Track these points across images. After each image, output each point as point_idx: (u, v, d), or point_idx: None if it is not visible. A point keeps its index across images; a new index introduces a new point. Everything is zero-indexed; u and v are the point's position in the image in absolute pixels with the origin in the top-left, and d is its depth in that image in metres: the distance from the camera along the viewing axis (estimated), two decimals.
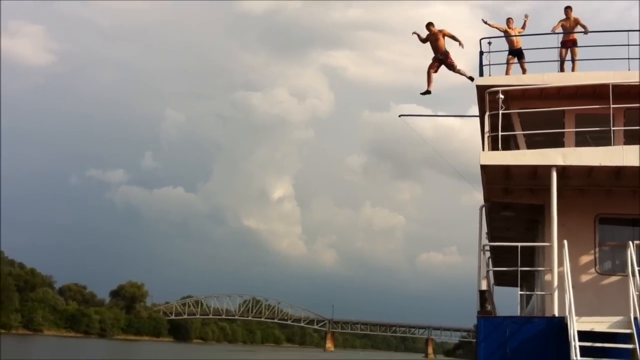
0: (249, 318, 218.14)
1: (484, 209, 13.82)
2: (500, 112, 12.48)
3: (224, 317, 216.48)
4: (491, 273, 15.69)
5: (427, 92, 15.10)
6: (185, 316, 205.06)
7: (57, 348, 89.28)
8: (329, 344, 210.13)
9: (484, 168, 11.95)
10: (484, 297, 11.95)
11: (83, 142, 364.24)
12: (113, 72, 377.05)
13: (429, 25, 14.92)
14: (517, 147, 13.21)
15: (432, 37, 14.89)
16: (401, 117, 16.85)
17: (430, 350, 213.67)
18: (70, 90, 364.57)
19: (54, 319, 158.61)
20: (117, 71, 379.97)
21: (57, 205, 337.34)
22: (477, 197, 13.78)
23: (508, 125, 13.07)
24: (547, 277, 11.97)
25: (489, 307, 11.99)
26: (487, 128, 12.73)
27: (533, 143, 12.86)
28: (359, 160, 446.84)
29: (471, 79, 14.57)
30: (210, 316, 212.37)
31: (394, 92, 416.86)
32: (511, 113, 12.99)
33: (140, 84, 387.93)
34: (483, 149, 12.63)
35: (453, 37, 14.86)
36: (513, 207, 13.58)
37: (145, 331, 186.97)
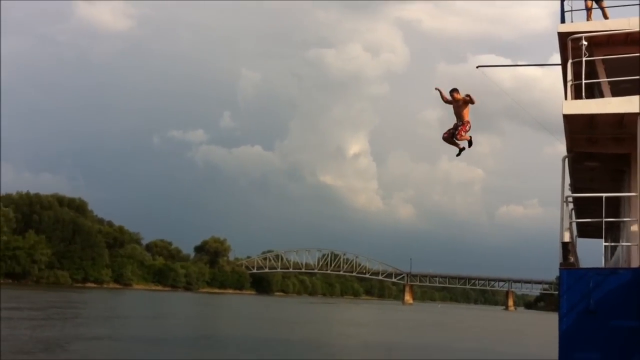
0: (328, 272, 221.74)
1: (566, 159, 13.51)
2: (584, 59, 12.09)
3: (303, 270, 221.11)
4: (574, 225, 15.40)
5: (462, 149, 14.08)
6: (267, 270, 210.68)
7: (148, 300, 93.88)
8: (408, 297, 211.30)
9: (567, 117, 11.67)
10: (567, 249, 11.78)
11: (164, 104, 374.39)
12: (189, 34, 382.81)
13: (453, 92, 13.85)
14: (601, 95, 12.81)
15: (455, 104, 13.83)
16: (479, 68, 16.47)
17: (510, 302, 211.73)
18: (149, 54, 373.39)
19: (142, 273, 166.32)
20: (194, 33, 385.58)
21: (141, 165, 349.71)
22: (560, 148, 13.48)
23: (592, 72, 12.65)
24: (633, 227, 11.70)
25: (572, 259, 11.83)
26: (569, 76, 12.36)
27: (618, 91, 12.42)
28: (435, 114, 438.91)
29: (469, 143, 13.91)
30: (291, 270, 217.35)
31: (470, 43, 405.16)
32: (595, 60, 12.56)
33: (216, 44, 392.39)
34: (566, 98, 12.29)
35: (471, 100, 13.69)
36: (597, 157, 13.23)
37: (228, 284, 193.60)
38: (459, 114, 13.84)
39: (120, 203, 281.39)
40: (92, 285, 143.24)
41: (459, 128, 13.75)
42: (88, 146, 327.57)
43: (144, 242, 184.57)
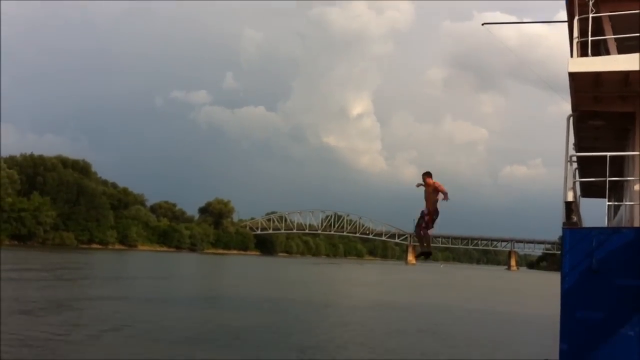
0: (332, 232, 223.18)
1: (571, 118, 13.36)
2: (590, 16, 11.86)
3: (307, 231, 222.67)
4: (578, 184, 15.32)
5: (427, 253, 13.61)
6: (270, 231, 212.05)
7: (153, 261, 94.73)
8: (411, 257, 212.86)
9: (572, 75, 11.48)
10: (570, 208, 11.71)
11: (166, 65, 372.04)
12: None
13: (425, 176, 13.34)
14: (607, 53, 12.59)
15: (426, 188, 13.27)
16: (484, 25, 16.20)
17: (512, 262, 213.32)
18: (152, 15, 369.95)
19: (147, 235, 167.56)
20: None
21: (144, 127, 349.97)
22: (564, 107, 13.31)
23: (598, 29, 12.42)
24: (637, 187, 11.63)
25: (575, 219, 11.77)
26: (575, 33, 12.14)
27: (624, 48, 12.20)
28: (440, 73, 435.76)
29: (427, 254, 13.36)
30: (294, 231, 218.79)
31: (476, 0, 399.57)
32: (601, 17, 12.31)
33: (218, 4, 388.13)
34: (572, 56, 12.09)
35: (443, 192, 13.08)
36: (602, 115, 13.07)
37: (233, 245, 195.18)
38: (427, 200, 13.23)
39: (124, 165, 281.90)
40: (97, 246, 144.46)
41: (430, 217, 13.10)
42: (91, 108, 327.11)
43: (148, 203, 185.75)
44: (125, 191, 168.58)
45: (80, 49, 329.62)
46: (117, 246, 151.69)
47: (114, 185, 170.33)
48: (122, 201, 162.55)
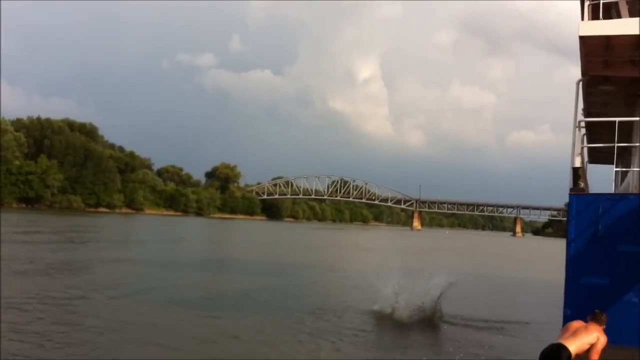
0: (337, 198, 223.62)
1: (581, 83, 13.21)
2: None
3: (313, 197, 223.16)
4: (586, 150, 15.23)
5: None
6: (277, 196, 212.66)
7: (160, 225, 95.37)
8: (416, 223, 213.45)
9: (583, 39, 11.30)
10: (578, 174, 11.65)
11: (172, 27, 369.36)
12: None
13: None
14: (619, 16, 12.39)
15: None
16: None
17: (518, 229, 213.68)
18: None
19: (154, 199, 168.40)
20: None
21: (150, 90, 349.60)
22: (574, 72, 13.18)
23: None
24: None
25: (582, 185, 11.72)
26: None
27: (637, 11, 11.98)
28: (449, 36, 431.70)
29: None
30: (300, 196, 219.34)
31: None
32: None
33: None
34: (582, 19, 11.90)
35: None
36: (613, 80, 12.92)
37: (239, 210, 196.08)
38: None
39: (130, 128, 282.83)
40: (104, 210, 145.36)
41: None
42: (97, 71, 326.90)
43: (155, 167, 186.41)
44: (132, 155, 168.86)
45: (86, 10, 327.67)
46: (124, 210, 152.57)
47: (121, 149, 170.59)
48: (129, 165, 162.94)
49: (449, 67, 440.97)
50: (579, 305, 10.09)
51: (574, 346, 8.77)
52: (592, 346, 8.81)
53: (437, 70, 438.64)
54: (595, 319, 9.24)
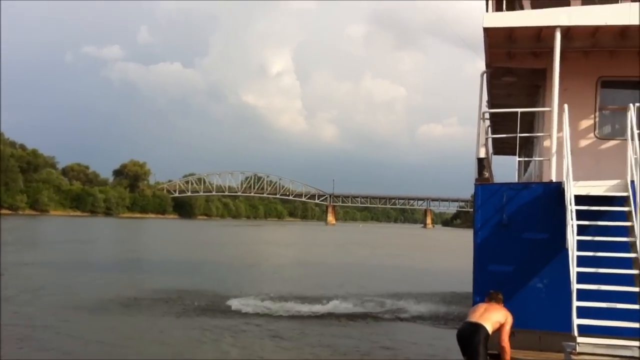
0: (252, 194, 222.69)
1: (485, 75, 13.50)
2: None
3: (226, 193, 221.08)
4: (490, 141, 15.60)
5: None
6: (189, 193, 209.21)
7: (67, 226, 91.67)
8: (331, 218, 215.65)
9: (486, 31, 11.49)
10: (482, 164, 11.88)
11: (76, 19, 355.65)
12: None
13: None
14: (521, 9, 12.72)
15: None
16: None
17: (428, 220, 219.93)
18: None
19: (59, 199, 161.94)
20: None
21: (54, 85, 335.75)
22: (480, 65, 13.41)
23: None
24: (546, 142, 11.86)
25: (486, 175, 11.95)
26: None
27: (539, 4, 12.32)
28: (360, 29, 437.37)
29: None
30: (214, 193, 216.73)
31: None
32: None
33: None
34: (487, 11, 12.13)
35: None
36: (515, 72, 13.23)
37: (150, 209, 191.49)
38: None
39: (32, 125, 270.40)
40: (7, 212, 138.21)
41: None
42: None
43: (60, 166, 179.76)
44: (34, 153, 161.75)
45: None
46: (27, 211, 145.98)
47: (23, 147, 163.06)
48: (31, 164, 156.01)
49: (360, 60, 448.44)
50: (487, 291, 10.26)
51: (489, 323, 9.09)
52: (501, 326, 9.08)
53: (349, 63, 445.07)
54: (494, 299, 9.65)
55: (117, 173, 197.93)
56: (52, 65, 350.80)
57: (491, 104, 15.79)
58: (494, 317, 9.21)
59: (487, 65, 12.95)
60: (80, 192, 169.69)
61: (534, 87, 14.00)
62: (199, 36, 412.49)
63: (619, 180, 10.35)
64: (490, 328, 9.09)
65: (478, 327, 9.05)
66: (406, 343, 15.87)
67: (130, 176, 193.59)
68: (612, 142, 12.25)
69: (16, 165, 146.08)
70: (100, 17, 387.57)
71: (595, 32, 11.41)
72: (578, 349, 9.05)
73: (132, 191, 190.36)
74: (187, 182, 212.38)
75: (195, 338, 15.52)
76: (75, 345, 14.54)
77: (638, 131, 10.01)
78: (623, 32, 11.33)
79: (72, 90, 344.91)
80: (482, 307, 9.48)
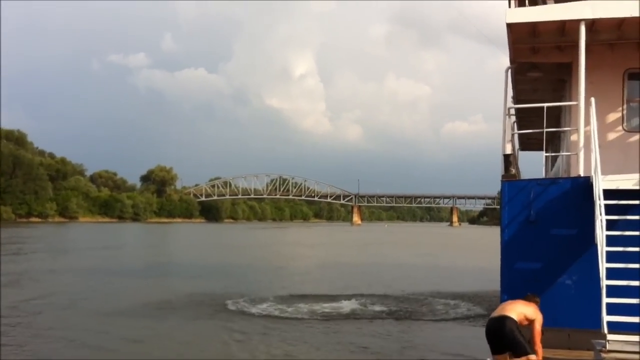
0: (277, 196, 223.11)
1: (509, 71, 13.37)
2: None
3: (252, 196, 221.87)
4: (516, 137, 15.45)
5: None
6: (215, 197, 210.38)
7: (96, 232, 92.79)
8: (356, 218, 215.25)
9: (510, 26, 11.40)
10: (509, 160, 11.77)
11: (101, 27, 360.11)
12: None
13: None
14: (544, 3, 12.59)
15: None
16: None
17: (454, 218, 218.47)
18: None
19: (88, 205, 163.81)
20: None
21: (81, 93, 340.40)
22: (504, 61, 13.29)
23: None
24: (574, 137, 11.71)
25: (513, 171, 11.83)
26: None
27: None
28: (382, 29, 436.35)
29: None
30: (239, 196, 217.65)
31: None
32: None
33: None
34: (509, 7, 12.03)
35: None
36: (540, 66, 13.09)
37: (177, 213, 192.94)
38: None
39: (61, 134, 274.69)
40: (37, 219, 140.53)
41: None
42: (24, 75, 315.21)
43: (88, 173, 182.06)
44: (63, 161, 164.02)
45: (11, 7, 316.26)
46: (57, 219, 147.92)
47: (51, 156, 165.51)
48: (60, 172, 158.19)
49: (383, 61, 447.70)
50: (514, 289, 10.17)
51: (514, 313, 8.83)
52: (530, 323, 8.89)
53: (372, 64, 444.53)
54: (529, 301, 9.36)
55: (145, 179, 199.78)
56: (79, 74, 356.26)
57: (517, 99, 15.65)
58: (519, 309, 8.92)
59: (512, 61, 12.84)
60: (109, 199, 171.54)
61: (559, 82, 13.84)
62: (222, 41, 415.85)
63: None
64: (516, 317, 8.79)
65: (504, 318, 8.78)
66: (433, 342, 15.79)
67: (157, 181, 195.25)
68: None
69: (45, 174, 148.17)
70: (125, 26, 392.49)
71: (620, 24, 11.25)
72: (608, 347, 8.91)
73: (159, 196, 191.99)
74: (213, 186, 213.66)
75: (222, 339, 15.62)
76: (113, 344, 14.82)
77: None
78: None
79: (99, 98, 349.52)
80: (507, 303, 9.23)
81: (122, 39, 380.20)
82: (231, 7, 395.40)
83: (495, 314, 9.13)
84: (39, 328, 16.84)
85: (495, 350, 8.93)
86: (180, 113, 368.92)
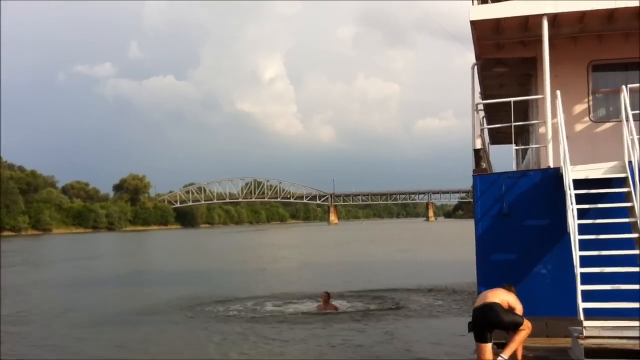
0: (253, 199, 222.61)
1: (476, 67, 13.58)
2: None
3: (228, 200, 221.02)
4: (486, 131, 15.68)
5: None
6: (190, 203, 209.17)
7: (71, 243, 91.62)
8: (333, 217, 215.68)
9: (473, 24, 11.58)
10: (479, 155, 11.95)
11: (65, 39, 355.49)
12: None
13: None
14: None
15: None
16: None
17: (430, 213, 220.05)
18: None
19: (61, 217, 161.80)
20: None
21: (48, 105, 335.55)
22: (471, 58, 13.49)
23: None
24: (541, 129, 11.94)
25: (484, 165, 12.03)
26: None
27: None
28: (349, 30, 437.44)
29: None
30: (215, 201, 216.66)
31: None
32: None
33: None
34: (473, 4, 12.22)
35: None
36: (506, 62, 13.32)
37: (152, 221, 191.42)
38: None
39: (30, 146, 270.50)
40: (9, 233, 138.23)
41: None
42: None
43: (60, 185, 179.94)
44: (33, 174, 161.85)
45: None
46: (30, 231, 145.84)
47: (21, 168, 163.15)
48: (31, 184, 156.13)
49: (352, 61, 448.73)
50: (490, 281, 10.34)
51: (497, 299, 9.18)
52: (512, 310, 9.16)
53: (341, 64, 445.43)
54: (508, 291, 9.61)
55: (117, 188, 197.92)
56: (45, 86, 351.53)
57: (484, 95, 15.88)
58: (501, 296, 9.27)
59: (477, 57, 13.04)
60: (82, 209, 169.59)
61: (525, 76, 14.08)
62: (189, 47, 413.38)
63: (616, 162, 10.41)
64: (499, 301, 9.16)
65: (491, 304, 9.12)
66: (415, 335, 15.91)
67: (131, 190, 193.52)
68: (607, 125, 12.33)
69: (16, 187, 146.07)
70: (89, 36, 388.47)
71: (582, 17, 11.49)
72: (585, 333, 9.12)
73: (133, 205, 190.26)
74: (187, 192, 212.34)
75: (205, 342, 15.58)
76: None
77: (632, 112, 10.08)
78: (610, 16, 11.42)
79: (67, 109, 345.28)
80: (489, 291, 9.52)
81: (87, 49, 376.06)
82: (196, 12, 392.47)
83: (479, 303, 9.33)
84: (34, 338, 16.90)
85: (480, 339, 9.14)
86: (151, 121, 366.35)
